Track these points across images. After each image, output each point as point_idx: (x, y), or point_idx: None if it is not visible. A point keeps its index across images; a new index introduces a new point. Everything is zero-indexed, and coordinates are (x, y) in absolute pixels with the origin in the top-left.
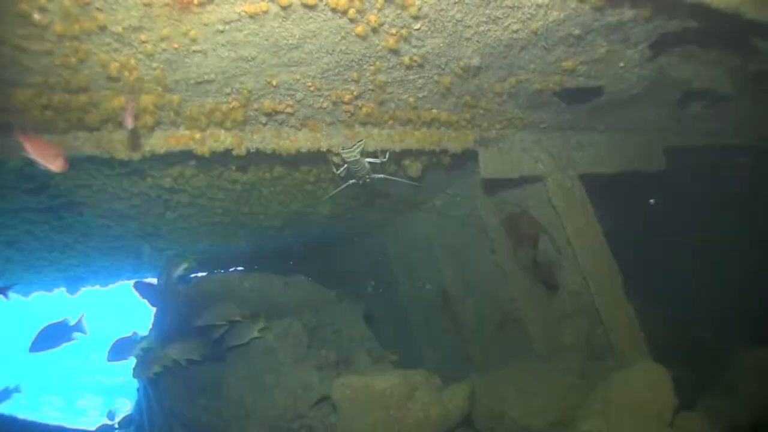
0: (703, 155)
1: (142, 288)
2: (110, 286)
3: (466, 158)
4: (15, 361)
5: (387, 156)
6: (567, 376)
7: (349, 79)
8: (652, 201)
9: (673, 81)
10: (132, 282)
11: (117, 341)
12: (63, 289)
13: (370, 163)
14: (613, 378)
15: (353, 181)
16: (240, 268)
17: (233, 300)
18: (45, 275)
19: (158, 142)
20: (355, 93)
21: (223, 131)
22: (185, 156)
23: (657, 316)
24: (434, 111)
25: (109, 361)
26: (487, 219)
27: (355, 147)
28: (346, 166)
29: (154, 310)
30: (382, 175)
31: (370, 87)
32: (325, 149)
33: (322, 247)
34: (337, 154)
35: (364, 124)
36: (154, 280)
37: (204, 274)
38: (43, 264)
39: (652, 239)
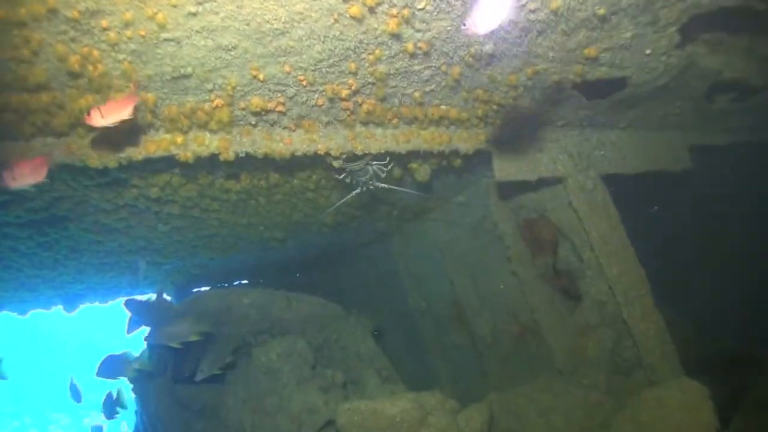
0: (730, 153)
1: (134, 306)
2: (110, 302)
3: (478, 160)
4: (23, 379)
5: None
6: (591, 393)
7: (346, 71)
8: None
9: (702, 71)
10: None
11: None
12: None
13: (373, 168)
14: (645, 397)
15: (358, 191)
16: (244, 282)
17: (232, 317)
18: (40, 293)
19: (135, 148)
20: (353, 87)
21: (208, 134)
22: (168, 163)
23: (678, 322)
24: (443, 107)
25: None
26: (501, 225)
27: (359, 162)
28: (348, 171)
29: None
30: (386, 185)
31: (370, 80)
32: (322, 152)
33: (327, 259)
34: (337, 159)
35: (365, 123)
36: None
37: (206, 288)
38: (35, 282)
39: (673, 241)
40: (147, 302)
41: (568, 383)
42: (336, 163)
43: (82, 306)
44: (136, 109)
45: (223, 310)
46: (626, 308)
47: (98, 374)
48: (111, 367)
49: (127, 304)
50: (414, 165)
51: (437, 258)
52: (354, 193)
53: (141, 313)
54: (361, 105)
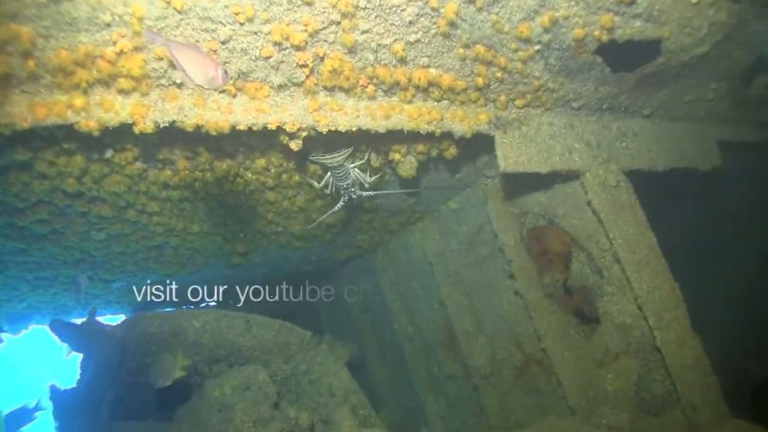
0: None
1: (60, 329)
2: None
3: (475, 151)
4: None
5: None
6: None
7: (299, 2)
8: None
9: (749, 36)
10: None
11: None
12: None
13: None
14: None
15: (341, 204)
16: (212, 303)
17: (181, 343)
18: None
19: (18, 112)
20: (309, 29)
21: (119, 97)
22: (68, 135)
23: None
24: (432, 70)
25: None
26: (502, 235)
27: (337, 154)
28: (328, 175)
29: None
30: (371, 193)
31: (334, 17)
32: (274, 127)
33: (303, 278)
34: (295, 138)
35: (330, 89)
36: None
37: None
38: None
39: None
40: (77, 325)
41: (583, 424)
42: (294, 145)
43: (31, 327)
44: None
45: (169, 334)
46: (659, 332)
47: None
48: None
49: (53, 326)
50: (396, 155)
51: (426, 275)
52: (337, 206)
53: (69, 337)
54: (323, 59)
